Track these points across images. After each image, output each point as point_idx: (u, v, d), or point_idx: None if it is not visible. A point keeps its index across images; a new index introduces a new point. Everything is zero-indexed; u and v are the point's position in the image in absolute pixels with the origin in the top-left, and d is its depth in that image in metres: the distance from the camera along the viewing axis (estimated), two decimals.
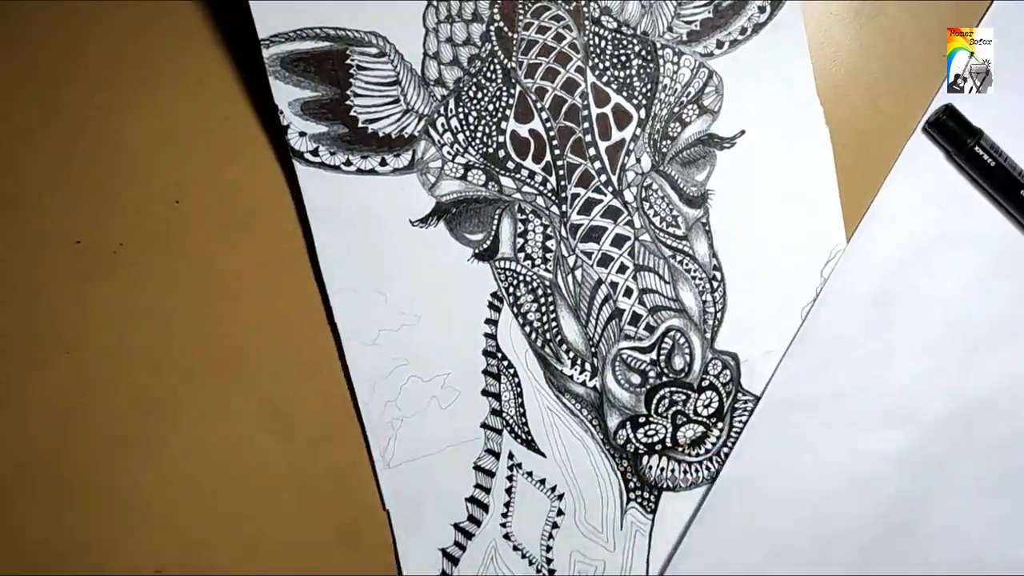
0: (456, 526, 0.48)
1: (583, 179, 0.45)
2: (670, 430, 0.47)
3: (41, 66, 0.42)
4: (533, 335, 0.46)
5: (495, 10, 0.43)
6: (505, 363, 0.46)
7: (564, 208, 0.45)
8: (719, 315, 0.46)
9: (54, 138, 0.43)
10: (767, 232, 0.46)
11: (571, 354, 0.46)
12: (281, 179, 0.44)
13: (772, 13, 0.44)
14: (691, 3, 0.44)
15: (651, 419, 0.46)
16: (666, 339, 0.46)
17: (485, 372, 0.46)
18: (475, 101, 0.44)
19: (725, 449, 0.47)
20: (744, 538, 0.47)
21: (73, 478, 0.41)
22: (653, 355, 0.46)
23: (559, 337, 0.46)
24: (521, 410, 0.47)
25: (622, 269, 0.45)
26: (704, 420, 0.47)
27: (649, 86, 0.44)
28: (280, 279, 0.45)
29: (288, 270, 0.45)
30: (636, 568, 0.48)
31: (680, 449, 0.47)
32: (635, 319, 0.46)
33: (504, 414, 0.47)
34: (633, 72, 0.44)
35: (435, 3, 0.43)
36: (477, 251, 0.45)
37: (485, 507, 0.47)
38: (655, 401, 0.46)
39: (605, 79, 0.44)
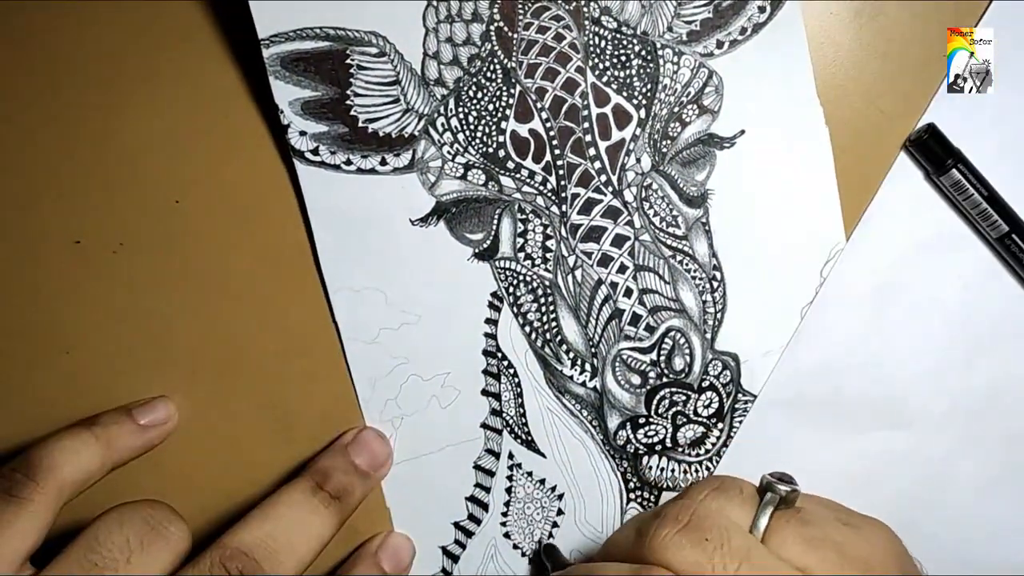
0: (456, 524, 0.48)
1: (583, 179, 0.45)
2: (670, 431, 0.47)
3: (41, 66, 0.42)
4: (533, 335, 0.46)
5: (495, 10, 0.43)
6: (505, 363, 0.46)
7: (564, 208, 0.45)
8: (719, 315, 0.46)
9: (54, 138, 0.43)
10: (767, 232, 0.46)
11: (571, 354, 0.46)
12: (281, 178, 0.44)
13: (772, 13, 0.44)
14: (691, 3, 0.44)
15: (651, 420, 0.46)
16: (666, 339, 0.46)
17: (485, 372, 0.46)
18: (475, 101, 0.44)
19: (725, 449, 0.47)
20: None
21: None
22: (653, 356, 0.46)
23: (559, 337, 0.46)
24: (521, 410, 0.47)
25: (622, 269, 0.45)
26: (704, 421, 0.47)
27: (649, 86, 0.44)
28: (280, 278, 0.45)
29: (288, 269, 0.45)
30: None
31: (681, 449, 0.47)
32: (635, 319, 0.46)
33: (504, 414, 0.47)
34: (633, 72, 0.44)
35: (435, 3, 0.42)
36: (477, 251, 0.45)
37: (485, 506, 0.47)
38: (655, 402, 0.46)
39: (605, 79, 0.44)
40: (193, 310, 0.44)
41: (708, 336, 0.46)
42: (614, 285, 0.45)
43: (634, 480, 0.47)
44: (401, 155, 0.44)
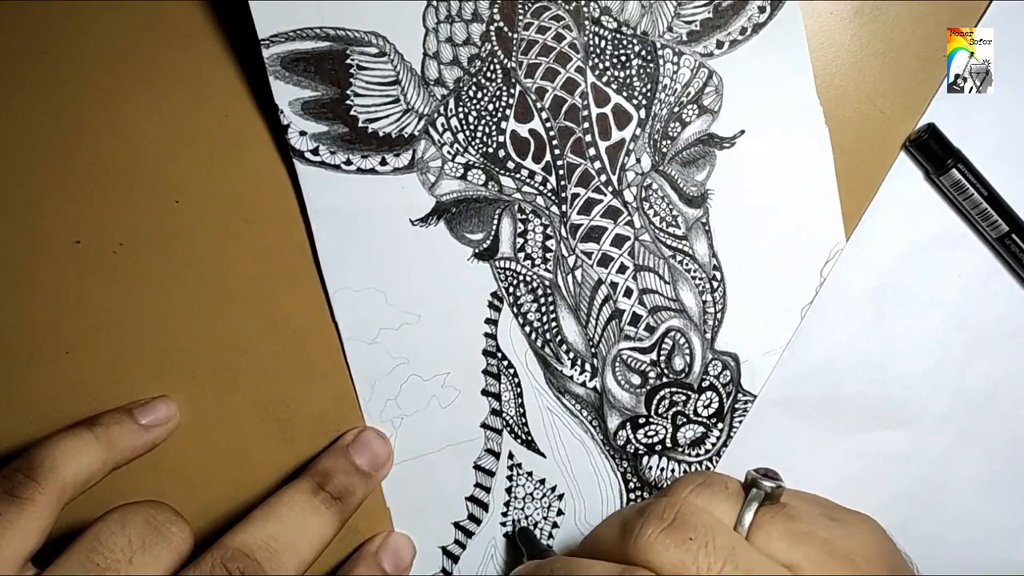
0: (456, 524, 0.48)
1: (583, 179, 0.45)
2: (670, 431, 0.47)
3: (41, 66, 0.42)
4: (533, 335, 0.46)
5: (495, 10, 0.43)
6: (505, 363, 0.46)
7: (564, 208, 0.45)
8: (719, 315, 0.46)
9: (54, 138, 0.43)
10: (767, 232, 0.46)
11: (571, 354, 0.46)
12: (281, 178, 0.44)
13: (772, 13, 0.44)
14: (691, 3, 0.44)
15: (651, 420, 0.46)
16: (666, 340, 0.46)
17: (485, 372, 0.46)
18: (475, 101, 0.44)
19: (724, 449, 0.47)
20: None
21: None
22: (653, 356, 0.46)
23: (559, 337, 0.46)
24: (521, 410, 0.47)
25: (622, 269, 0.45)
26: (704, 421, 0.47)
27: (649, 86, 0.44)
28: (280, 279, 0.45)
29: (289, 270, 0.45)
30: None
31: (681, 450, 0.47)
32: (635, 319, 0.46)
33: (504, 414, 0.47)
34: (633, 72, 0.44)
35: (435, 3, 0.42)
36: (477, 251, 0.45)
37: (485, 506, 0.47)
38: (655, 402, 0.46)
39: (605, 79, 0.44)
40: (193, 310, 0.44)
41: (708, 336, 0.46)
42: (614, 285, 0.45)
43: (634, 480, 0.47)
44: (401, 155, 0.44)
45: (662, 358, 0.46)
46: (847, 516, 0.35)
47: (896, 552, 0.35)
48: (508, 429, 0.47)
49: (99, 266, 0.43)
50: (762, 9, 0.44)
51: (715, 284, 0.46)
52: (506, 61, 0.43)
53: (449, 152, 0.44)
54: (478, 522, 0.48)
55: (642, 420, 0.46)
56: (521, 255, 0.45)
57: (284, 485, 0.43)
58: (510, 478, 0.47)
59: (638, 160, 0.45)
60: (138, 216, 0.43)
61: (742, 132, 0.45)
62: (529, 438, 0.47)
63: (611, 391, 0.46)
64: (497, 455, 0.47)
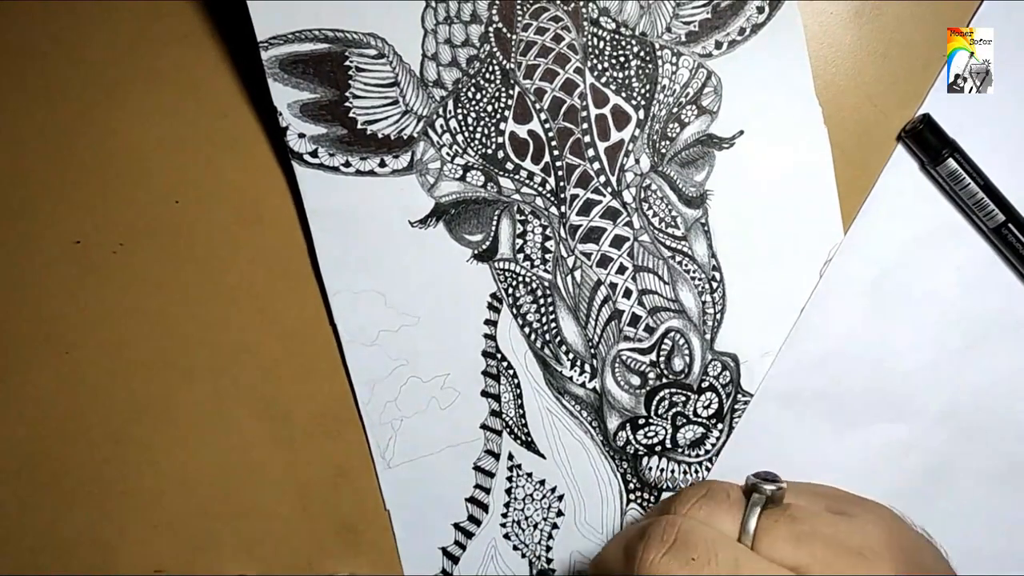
0: (456, 526, 0.48)
1: (582, 180, 0.45)
2: (670, 431, 0.47)
3: (41, 66, 0.43)
4: (532, 336, 0.46)
5: (494, 11, 0.43)
6: (504, 364, 0.46)
7: (563, 209, 0.45)
8: (718, 316, 0.46)
9: (54, 138, 0.43)
10: (766, 232, 0.46)
11: (570, 355, 0.46)
12: (281, 179, 0.44)
13: (770, 14, 0.44)
14: (690, 4, 0.44)
15: (651, 420, 0.46)
16: (666, 340, 0.46)
17: (484, 373, 0.46)
18: (474, 102, 0.44)
19: (724, 446, 0.47)
20: None
21: (73, 478, 0.41)
22: (653, 356, 0.46)
23: (558, 338, 0.46)
24: (521, 411, 0.47)
25: (621, 270, 0.45)
26: (704, 421, 0.47)
27: (648, 87, 0.44)
28: (281, 279, 0.45)
29: (289, 270, 0.45)
30: None
31: (680, 450, 0.47)
32: (634, 320, 0.46)
33: (504, 415, 0.47)
34: (632, 73, 0.44)
35: (433, 4, 0.43)
36: (476, 252, 0.45)
37: (485, 507, 0.47)
38: (655, 403, 0.46)
39: (604, 80, 0.44)
40: (193, 311, 0.44)
41: (707, 337, 0.46)
42: (613, 286, 0.45)
43: (634, 481, 0.47)
44: (400, 157, 0.44)
45: (662, 359, 0.46)
46: (854, 508, 0.34)
47: (908, 536, 0.34)
48: (508, 430, 0.47)
49: (99, 266, 0.43)
50: (760, 10, 0.44)
51: (714, 284, 0.46)
52: (505, 62, 0.44)
53: (448, 153, 0.44)
54: (478, 523, 0.48)
55: (642, 421, 0.46)
56: (520, 256, 0.45)
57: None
58: (510, 479, 0.47)
59: (637, 161, 0.45)
60: (138, 216, 0.43)
61: (741, 132, 0.45)
62: (529, 439, 0.47)
63: (611, 392, 0.46)
64: (497, 456, 0.47)
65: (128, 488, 0.44)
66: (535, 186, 0.45)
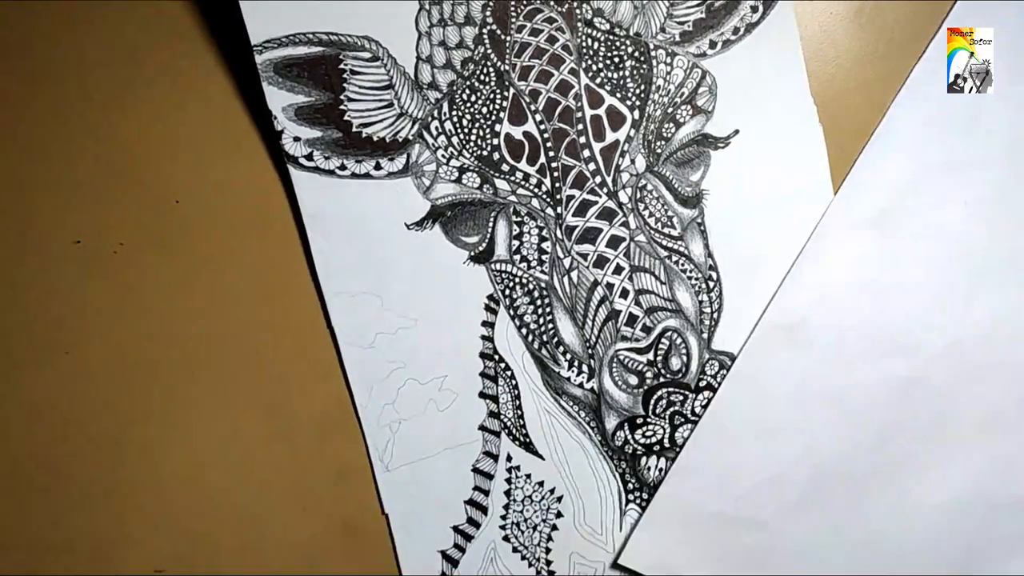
0: (455, 528, 0.48)
1: (578, 181, 0.45)
2: (668, 431, 0.46)
3: (42, 67, 0.43)
4: (530, 337, 0.46)
5: (487, 13, 0.43)
6: (502, 365, 0.46)
7: (559, 210, 0.45)
8: (715, 315, 0.46)
9: (54, 138, 0.43)
10: (762, 231, 0.46)
11: (568, 356, 0.46)
12: (277, 183, 0.44)
13: (764, 13, 0.44)
14: (684, 4, 0.44)
15: (649, 420, 0.46)
16: (663, 340, 0.46)
17: (482, 374, 0.46)
18: (469, 104, 0.44)
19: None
20: (737, 465, 0.46)
21: (73, 478, 0.42)
22: (650, 356, 0.46)
23: (556, 339, 0.46)
24: (519, 412, 0.47)
25: (618, 270, 0.45)
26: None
27: (643, 87, 0.45)
28: (281, 279, 0.45)
29: (288, 270, 0.45)
30: None
31: (679, 450, 0.47)
32: (631, 320, 0.46)
33: (502, 416, 0.47)
34: (626, 73, 0.44)
35: (427, 7, 0.43)
36: (473, 254, 0.45)
37: (484, 509, 0.47)
38: (652, 402, 0.46)
39: (598, 81, 0.44)
40: (192, 310, 0.44)
41: (704, 336, 0.46)
42: (610, 286, 0.45)
43: (633, 481, 0.47)
44: (396, 159, 0.44)
45: (659, 358, 0.46)
46: None
47: None
48: (506, 431, 0.47)
49: (99, 266, 0.44)
50: (755, 9, 0.44)
51: (711, 284, 0.46)
52: (499, 64, 0.44)
53: (443, 156, 0.44)
54: (477, 525, 0.48)
55: (640, 420, 0.46)
56: (517, 257, 0.45)
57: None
58: (509, 481, 0.47)
59: (632, 161, 0.45)
60: (138, 216, 0.44)
61: (736, 132, 0.45)
62: (527, 440, 0.47)
63: (608, 392, 0.46)
64: (495, 458, 0.47)
65: (128, 488, 0.44)
66: (531, 187, 0.45)
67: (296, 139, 0.43)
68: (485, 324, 0.46)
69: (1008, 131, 0.45)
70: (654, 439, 0.46)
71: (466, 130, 0.44)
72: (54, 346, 0.44)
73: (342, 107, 0.43)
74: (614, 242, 0.45)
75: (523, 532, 0.48)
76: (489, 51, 0.44)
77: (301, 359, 0.45)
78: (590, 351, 0.46)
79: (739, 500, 0.46)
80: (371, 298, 0.45)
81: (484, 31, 0.44)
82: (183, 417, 0.45)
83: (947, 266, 0.46)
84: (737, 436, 0.46)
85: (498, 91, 0.44)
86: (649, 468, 0.47)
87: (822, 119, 0.45)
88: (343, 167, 0.44)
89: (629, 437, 0.46)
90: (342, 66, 0.43)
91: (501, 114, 0.44)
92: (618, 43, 0.44)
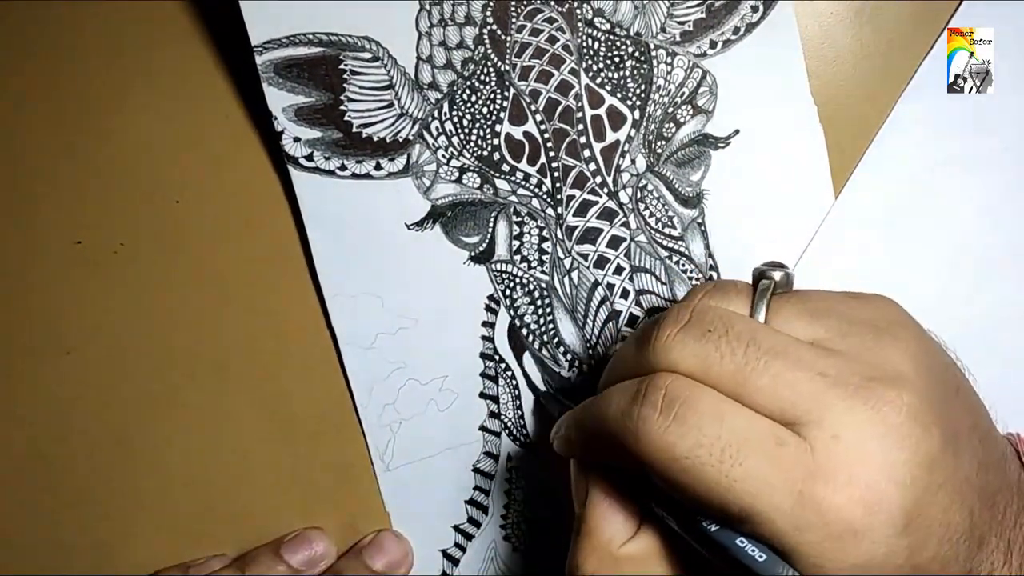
0: (456, 528, 0.48)
1: (578, 181, 0.45)
2: None
3: (41, 67, 0.43)
4: (530, 337, 0.46)
5: (488, 13, 0.43)
6: (503, 366, 0.46)
7: (560, 210, 0.45)
8: None
9: (54, 139, 0.43)
10: (763, 231, 0.46)
11: (568, 356, 0.46)
12: (277, 184, 0.44)
13: (765, 12, 0.44)
14: (684, 3, 0.44)
15: None
16: None
17: (483, 375, 0.46)
18: (469, 104, 0.44)
19: None
20: None
21: (73, 478, 0.42)
22: None
23: (556, 339, 0.46)
24: (519, 412, 0.47)
25: (618, 270, 0.45)
26: None
27: (643, 87, 0.45)
28: (281, 279, 0.45)
29: (289, 271, 0.45)
30: None
31: None
32: (632, 321, 0.46)
33: (502, 417, 0.47)
34: (627, 73, 0.44)
35: (427, 7, 0.43)
36: (473, 254, 0.45)
37: (484, 509, 0.47)
38: None
39: (599, 81, 0.44)
40: (193, 310, 0.44)
41: None
42: (611, 286, 0.45)
43: None
44: (396, 160, 0.44)
45: None
46: (863, 295, 0.34)
47: (915, 321, 0.33)
48: (506, 432, 0.47)
49: (99, 266, 0.44)
50: (755, 8, 0.44)
51: None
52: (500, 64, 0.44)
53: (444, 156, 0.44)
54: (478, 525, 0.48)
55: None
56: (517, 258, 0.45)
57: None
58: (509, 480, 0.47)
59: (633, 161, 0.45)
60: (138, 216, 0.44)
61: (737, 132, 0.45)
62: (528, 440, 0.47)
63: None
64: (496, 458, 0.47)
65: (128, 488, 0.44)
66: (531, 187, 0.45)
67: (296, 140, 0.43)
68: (485, 324, 0.46)
69: (1012, 131, 0.45)
70: None
71: (466, 130, 0.44)
72: (54, 346, 0.44)
73: (342, 107, 0.43)
74: (615, 242, 0.45)
75: (524, 531, 0.48)
76: (489, 51, 0.44)
77: (301, 359, 0.46)
78: (591, 351, 0.46)
79: None
80: (371, 298, 0.45)
81: (484, 31, 0.44)
82: (183, 417, 0.45)
83: (953, 262, 0.46)
84: None
85: (498, 91, 0.44)
86: None
87: (822, 119, 0.45)
88: (343, 167, 0.44)
89: None
90: (342, 66, 0.43)
91: (501, 114, 0.44)
92: (618, 43, 0.44)
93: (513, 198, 0.45)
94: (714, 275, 0.46)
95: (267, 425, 0.45)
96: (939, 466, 0.28)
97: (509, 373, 0.46)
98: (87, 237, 0.44)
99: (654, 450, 0.29)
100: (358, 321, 0.45)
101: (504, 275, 0.46)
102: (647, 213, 0.45)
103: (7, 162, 0.43)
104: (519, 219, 0.45)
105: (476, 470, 0.47)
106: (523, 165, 0.45)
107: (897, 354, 0.30)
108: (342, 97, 0.43)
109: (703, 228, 0.46)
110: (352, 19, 0.43)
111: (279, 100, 0.43)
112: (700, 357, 0.30)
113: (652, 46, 0.44)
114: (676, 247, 0.46)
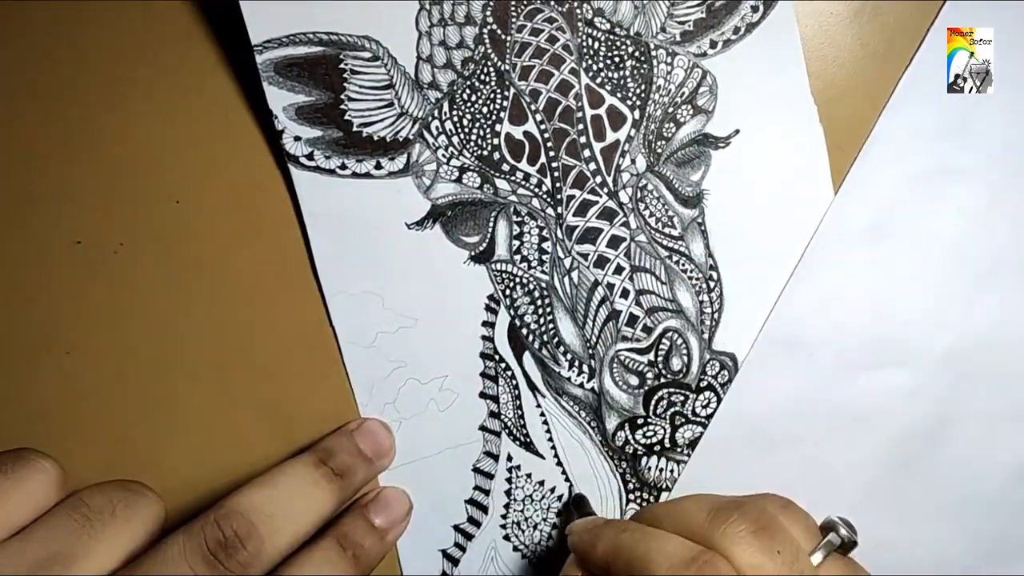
0: (456, 527, 0.48)
1: (578, 181, 0.45)
2: (669, 431, 0.46)
3: (41, 67, 0.43)
4: (530, 337, 0.46)
5: (488, 13, 0.43)
6: (503, 365, 0.46)
7: (560, 210, 0.45)
8: (716, 315, 0.46)
9: (54, 139, 0.43)
10: (763, 231, 0.46)
11: (568, 356, 0.46)
12: (279, 182, 0.44)
13: (765, 12, 0.44)
14: (684, 3, 0.44)
15: (649, 420, 0.46)
16: (663, 340, 0.46)
17: (483, 374, 0.46)
18: (469, 104, 0.44)
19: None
20: (743, 479, 0.46)
21: (73, 479, 0.42)
22: (651, 356, 0.46)
23: (556, 339, 0.46)
24: (519, 412, 0.47)
25: (618, 270, 0.45)
26: (702, 421, 0.46)
27: (643, 87, 0.45)
28: (281, 279, 0.45)
29: (290, 271, 0.45)
30: None
31: (679, 450, 0.47)
32: (632, 320, 0.46)
33: (502, 416, 0.47)
34: (627, 73, 0.44)
35: (428, 6, 0.43)
36: (473, 253, 0.45)
37: (484, 508, 0.47)
38: (653, 402, 0.46)
39: (599, 80, 0.44)
40: (193, 310, 0.44)
41: (705, 336, 0.46)
42: (611, 286, 0.45)
43: (633, 481, 0.47)
44: (396, 159, 0.44)
45: (660, 358, 0.46)
46: None
47: None
48: (506, 431, 0.47)
49: (99, 266, 0.44)
50: (755, 8, 0.44)
51: (711, 284, 0.46)
52: (500, 64, 0.44)
53: (444, 155, 0.44)
54: (478, 525, 0.48)
55: (640, 421, 0.46)
56: (517, 257, 0.45)
57: None
58: (509, 480, 0.47)
59: (633, 161, 0.45)
60: (138, 216, 0.44)
61: (737, 132, 0.45)
62: (528, 440, 0.47)
63: (609, 392, 0.46)
64: (496, 457, 0.47)
65: None
66: (531, 187, 0.45)
67: (297, 139, 0.43)
68: (485, 324, 0.46)
69: (1004, 134, 0.45)
70: (655, 439, 0.46)
71: (466, 130, 0.44)
72: (54, 346, 0.44)
73: (342, 107, 0.43)
74: (615, 242, 0.45)
75: (524, 531, 0.48)
76: (489, 51, 0.44)
77: (302, 358, 0.45)
78: (591, 351, 0.46)
79: None
80: (372, 297, 0.45)
81: (484, 31, 0.44)
82: (184, 417, 0.45)
83: (945, 273, 0.46)
84: (741, 449, 0.47)
85: (498, 91, 0.44)
86: (650, 468, 0.47)
87: (822, 119, 0.45)
88: (344, 167, 0.44)
89: (630, 437, 0.46)
90: (342, 66, 0.43)
91: (501, 114, 0.44)
92: (619, 43, 0.44)
93: (513, 198, 0.45)
94: (714, 275, 0.46)
95: (267, 425, 0.45)
96: None
97: (509, 373, 0.46)
98: (87, 237, 0.44)
99: None
100: (358, 320, 0.45)
101: (504, 275, 0.46)
102: (647, 213, 0.45)
103: (7, 162, 0.43)
104: (519, 219, 0.45)
105: (476, 470, 0.47)
106: (523, 165, 0.45)
107: None
108: (342, 96, 0.43)
109: (703, 228, 0.46)
110: (352, 18, 0.42)
111: (279, 99, 0.43)
112: (757, 568, 0.33)
113: (652, 46, 0.44)
114: (676, 247, 0.46)
